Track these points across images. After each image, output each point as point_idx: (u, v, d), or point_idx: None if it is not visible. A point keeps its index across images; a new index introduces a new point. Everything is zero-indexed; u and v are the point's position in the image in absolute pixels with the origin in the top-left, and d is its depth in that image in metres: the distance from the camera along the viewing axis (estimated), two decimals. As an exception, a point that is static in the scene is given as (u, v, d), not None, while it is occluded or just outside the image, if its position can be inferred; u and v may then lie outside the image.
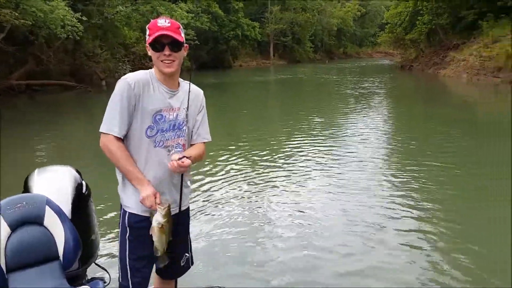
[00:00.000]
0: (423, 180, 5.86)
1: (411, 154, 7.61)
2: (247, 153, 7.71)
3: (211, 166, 6.77)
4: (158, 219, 2.00)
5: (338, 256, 3.82)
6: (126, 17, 21.90)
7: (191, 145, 2.27)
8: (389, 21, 34.97)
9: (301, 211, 4.87)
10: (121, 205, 2.19)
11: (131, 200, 2.12)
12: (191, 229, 2.50)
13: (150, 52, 2.10)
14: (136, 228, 2.13)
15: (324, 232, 4.31)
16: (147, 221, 2.05)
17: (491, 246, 3.98)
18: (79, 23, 16.91)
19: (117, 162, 2.04)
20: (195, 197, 5.32)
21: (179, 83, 2.19)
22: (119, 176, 2.15)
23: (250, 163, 7.08)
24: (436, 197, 5.23)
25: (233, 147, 8.15)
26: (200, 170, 6.42)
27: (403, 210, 4.81)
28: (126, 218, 2.14)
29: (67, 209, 2.25)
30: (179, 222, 2.20)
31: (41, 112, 15.02)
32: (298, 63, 49.99)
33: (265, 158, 7.36)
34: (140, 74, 2.10)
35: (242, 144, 8.58)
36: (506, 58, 18.31)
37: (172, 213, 2.11)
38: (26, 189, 2.35)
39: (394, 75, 29.26)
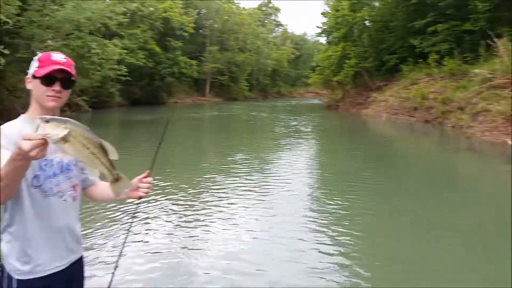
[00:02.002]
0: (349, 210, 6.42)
1: (338, 186, 8.21)
2: (177, 190, 7.64)
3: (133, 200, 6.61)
4: (49, 132, 1.42)
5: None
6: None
7: (84, 188, 2.11)
8: (319, 63, 36.80)
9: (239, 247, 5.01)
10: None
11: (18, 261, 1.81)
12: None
13: (33, 85, 1.85)
14: None
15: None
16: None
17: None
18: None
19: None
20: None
21: None
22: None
23: (182, 199, 7.07)
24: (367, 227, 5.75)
25: (167, 184, 7.96)
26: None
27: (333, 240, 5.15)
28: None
29: None
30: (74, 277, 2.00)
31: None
32: (233, 100, 50.85)
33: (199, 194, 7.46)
34: (17, 125, 1.82)
35: (174, 179, 8.46)
36: (421, 99, 19.95)
37: (64, 266, 1.92)
38: None
39: (321, 113, 30.70)
